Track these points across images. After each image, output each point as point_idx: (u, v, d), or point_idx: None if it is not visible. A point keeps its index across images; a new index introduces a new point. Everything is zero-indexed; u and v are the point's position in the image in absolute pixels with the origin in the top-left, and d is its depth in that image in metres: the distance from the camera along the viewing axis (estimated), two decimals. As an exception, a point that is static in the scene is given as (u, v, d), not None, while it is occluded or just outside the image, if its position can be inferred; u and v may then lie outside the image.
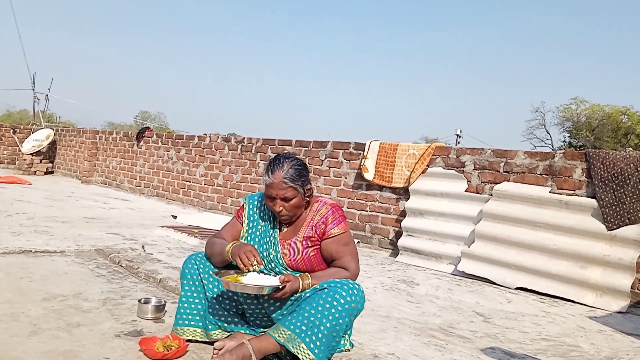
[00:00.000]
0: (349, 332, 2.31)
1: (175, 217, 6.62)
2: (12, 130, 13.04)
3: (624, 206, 3.93)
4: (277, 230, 2.39)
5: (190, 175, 8.38)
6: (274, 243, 2.36)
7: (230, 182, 7.64)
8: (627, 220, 3.92)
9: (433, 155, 5.26)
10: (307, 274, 2.27)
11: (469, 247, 4.65)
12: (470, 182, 4.95)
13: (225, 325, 2.36)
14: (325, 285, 2.14)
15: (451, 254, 4.77)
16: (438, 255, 4.88)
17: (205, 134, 8.44)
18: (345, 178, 6.06)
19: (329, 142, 6.32)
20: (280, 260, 2.33)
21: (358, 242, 5.71)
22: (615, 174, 4.02)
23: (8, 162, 12.85)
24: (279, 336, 2.10)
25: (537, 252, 4.23)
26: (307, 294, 2.16)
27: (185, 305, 2.39)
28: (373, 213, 5.73)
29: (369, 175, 5.66)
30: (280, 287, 2.13)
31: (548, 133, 37.70)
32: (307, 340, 2.05)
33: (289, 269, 2.33)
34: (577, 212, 4.17)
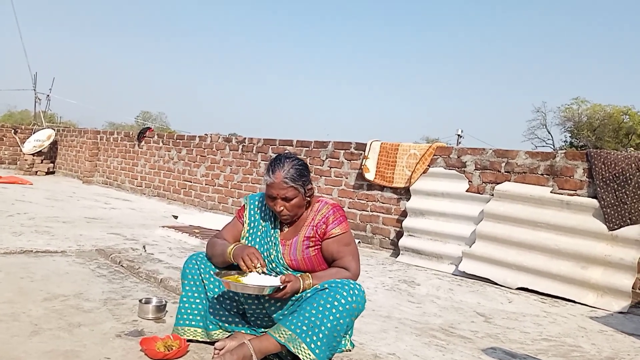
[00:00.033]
0: (349, 332, 2.31)
1: (176, 217, 6.62)
2: (13, 131, 13.07)
3: (625, 206, 3.93)
4: (278, 230, 2.39)
5: (191, 176, 8.38)
6: (274, 243, 2.36)
7: (231, 182, 7.64)
8: (628, 221, 3.92)
9: (434, 155, 5.25)
10: (307, 274, 2.27)
11: (470, 247, 4.65)
12: (471, 182, 4.95)
13: (226, 325, 2.36)
14: (326, 286, 2.14)
15: (452, 254, 4.77)
16: (439, 255, 4.88)
17: (206, 134, 8.45)
18: (346, 178, 6.05)
19: (330, 142, 6.32)
20: (281, 260, 2.33)
21: (359, 242, 5.71)
22: (617, 174, 4.02)
23: (9, 162, 12.87)
24: (279, 336, 2.10)
25: (538, 252, 4.23)
26: (308, 294, 2.16)
27: (186, 305, 2.39)
28: (374, 213, 5.73)
29: (370, 175, 5.66)
30: (281, 287, 2.13)
31: (549, 133, 37.74)
32: (308, 340, 2.05)
33: (290, 269, 2.33)
34: (578, 212, 4.17)
